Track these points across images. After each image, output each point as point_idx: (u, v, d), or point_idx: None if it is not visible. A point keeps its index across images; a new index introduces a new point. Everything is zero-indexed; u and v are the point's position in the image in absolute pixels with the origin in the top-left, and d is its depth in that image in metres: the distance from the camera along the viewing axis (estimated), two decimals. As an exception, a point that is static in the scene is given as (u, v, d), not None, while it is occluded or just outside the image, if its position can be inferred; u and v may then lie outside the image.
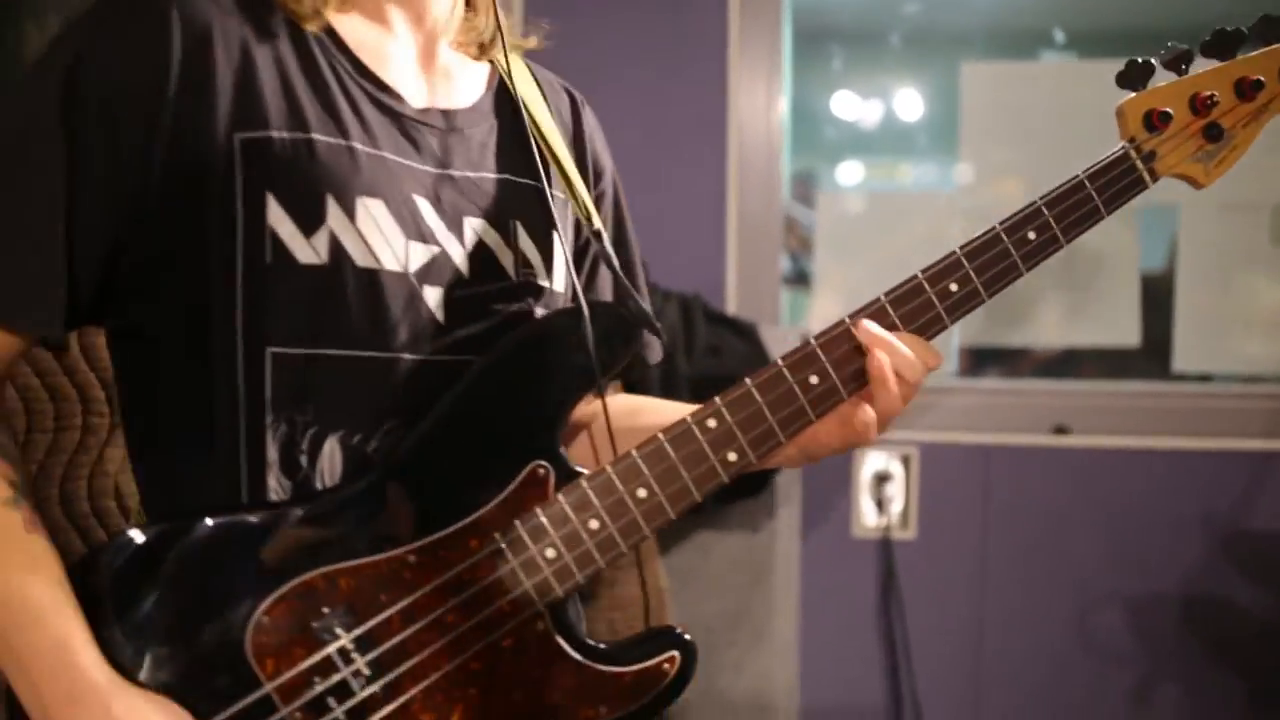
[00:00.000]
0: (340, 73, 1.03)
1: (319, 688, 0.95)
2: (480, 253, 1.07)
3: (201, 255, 0.96)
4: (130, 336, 1.02)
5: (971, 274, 1.06)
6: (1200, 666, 2.57)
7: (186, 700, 0.93)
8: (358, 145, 1.01)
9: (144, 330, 1.00)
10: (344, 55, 1.04)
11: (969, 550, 2.61)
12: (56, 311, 0.95)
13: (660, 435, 1.02)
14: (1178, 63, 1.10)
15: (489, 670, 0.99)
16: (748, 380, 1.03)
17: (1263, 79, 1.11)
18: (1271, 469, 2.55)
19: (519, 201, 1.12)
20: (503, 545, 0.99)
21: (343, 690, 0.96)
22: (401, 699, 0.97)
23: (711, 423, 1.02)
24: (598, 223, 1.16)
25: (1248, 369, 2.79)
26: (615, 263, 1.15)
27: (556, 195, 1.16)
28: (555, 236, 1.14)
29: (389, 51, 1.08)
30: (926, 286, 1.06)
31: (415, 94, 1.09)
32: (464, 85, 1.14)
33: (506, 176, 1.12)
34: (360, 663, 0.96)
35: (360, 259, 0.99)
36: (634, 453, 1.01)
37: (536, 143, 1.14)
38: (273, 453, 0.98)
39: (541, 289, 1.12)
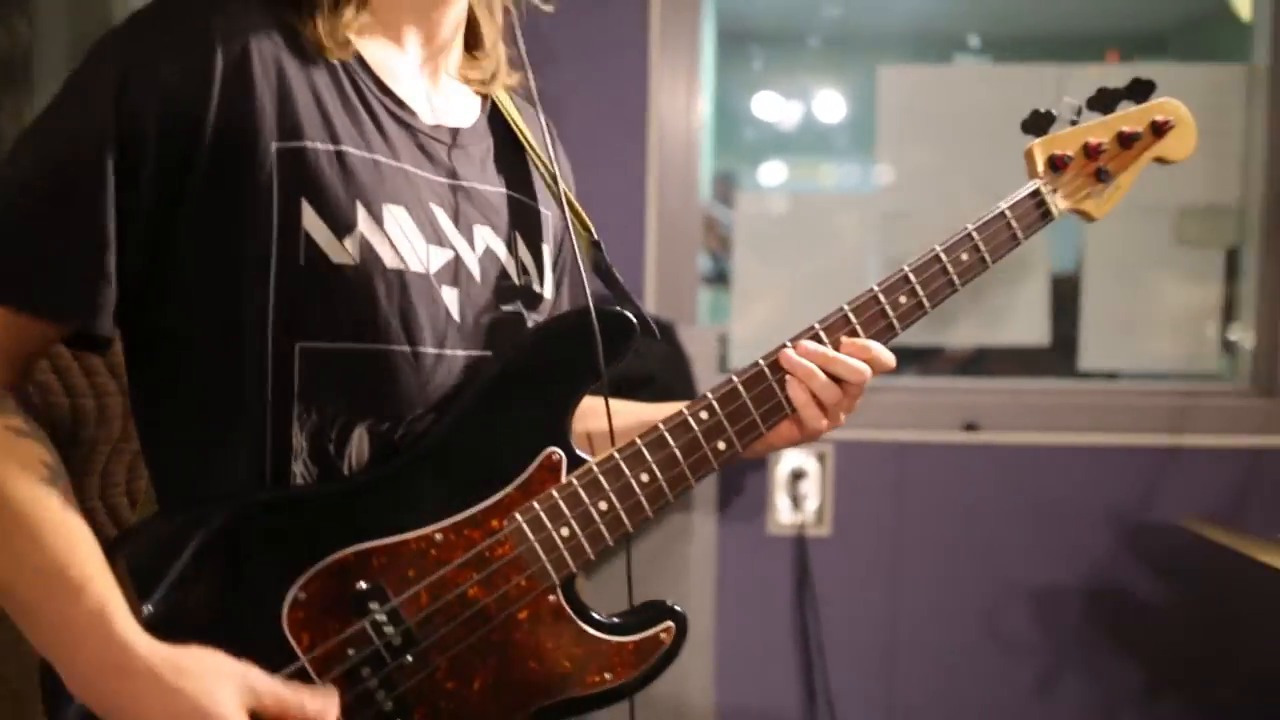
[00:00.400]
0: (364, 90, 1.11)
1: (354, 659, 1.04)
2: (489, 258, 1.17)
3: (237, 257, 1.03)
4: (155, 334, 1.07)
5: (917, 288, 1.21)
6: (1103, 656, 2.64)
7: None
8: (381, 158, 1.09)
9: (172, 328, 1.06)
10: (367, 74, 1.12)
11: (882, 546, 2.65)
12: (105, 307, 1.00)
13: (660, 425, 1.13)
14: (1070, 115, 1.28)
15: (507, 641, 1.09)
16: (734, 377, 1.16)
17: (1139, 131, 1.29)
18: (1173, 463, 2.63)
19: (516, 213, 1.23)
20: (523, 524, 1.09)
21: (376, 661, 1.05)
22: (428, 668, 1.07)
23: (704, 415, 1.15)
24: (596, 234, 1.26)
25: (1152, 367, 2.86)
26: (615, 271, 1.25)
27: (546, 212, 1.27)
28: (544, 247, 1.25)
29: (402, 70, 1.16)
30: (881, 298, 1.19)
31: (425, 110, 1.17)
32: (461, 106, 1.23)
33: (506, 190, 1.22)
34: (392, 634, 1.05)
35: (389, 261, 1.07)
36: (638, 440, 1.13)
37: (531, 161, 1.26)
38: (300, 441, 1.05)
39: (537, 294, 1.23)
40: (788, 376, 1.17)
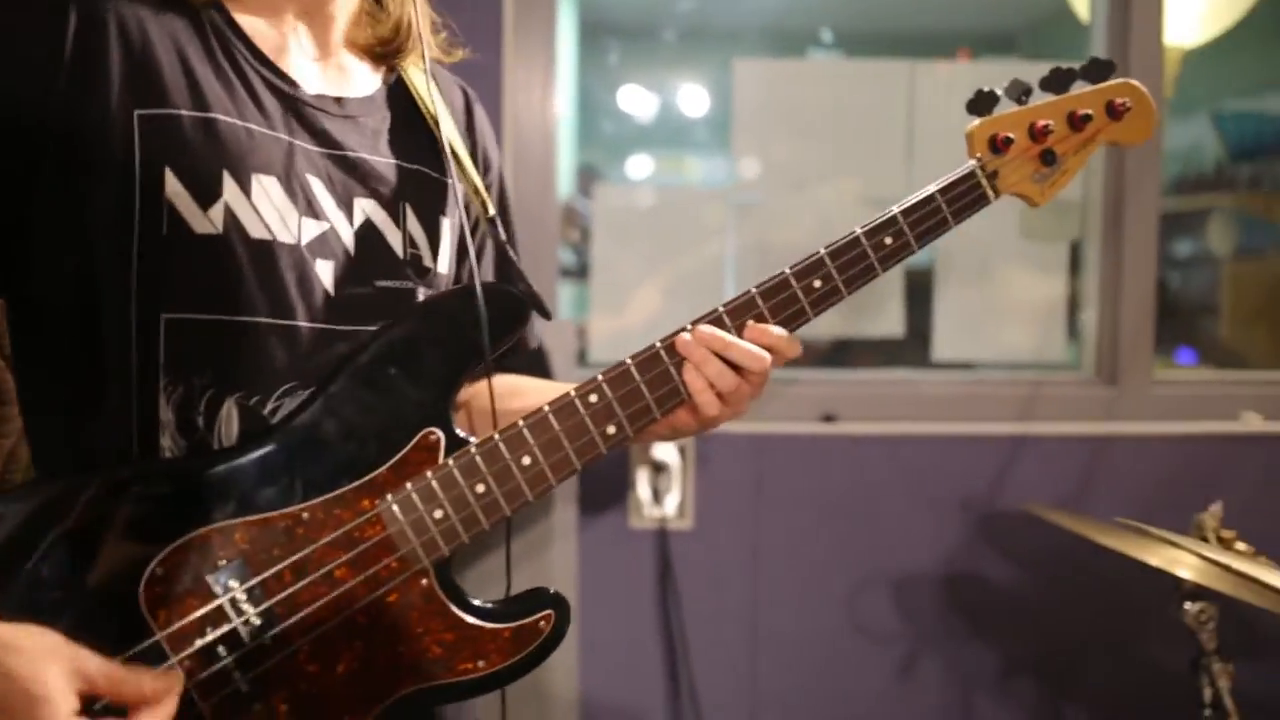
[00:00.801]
0: (237, 57, 1.09)
1: (210, 636, 1.00)
2: (368, 231, 1.14)
3: (95, 225, 1.00)
4: (22, 302, 1.04)
5: (834, 272, 1.15)
6: (959, 640, 2.69)
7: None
8: (254, 126, 1.07)
9: (37, 297, 1.03)
10: (241, 41, 1.10)
11: (743, 538, 2.66)
12: None
13: (545, 407, 1.10)
14: (1019, 94, 1.23)
15: (373, 623, 1.06)
16: (628, 359, 1.12)
17: (1091, 113, 1.24)
18: (1022, 451, 2.70)
19: (410, 186, 1.19)
20: (393, 505, 1.06)
21: (233, 640, 1.01)
22: (289, 649, 1.03)
23: (593, 398, 1.11)
24: (493, 209, 1.24)
25: (1003, 357, 2.94)
26: (510, 249, 1.23)
27: (447, 182, 1.22)
28: (443, 221, 1.21)
29: (285, 43, 1.14)
30: (793, 282, 1.14)
31: (310, 81, 1.15)
32: (359, 78, 1.21)
33: (398, 162, 1.19)
34: (251, 613, 1.01)
35: (254, 230, 1.04)
36: (520, 423, 1.10)
37: (432, 132, 1.22)
38: (167, 414, 1.03)
39: (427, 269, 1.19)
40: (684, 361, 1.13)
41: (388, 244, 1.16)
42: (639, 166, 3.37)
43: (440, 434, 1.08)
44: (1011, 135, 1.22)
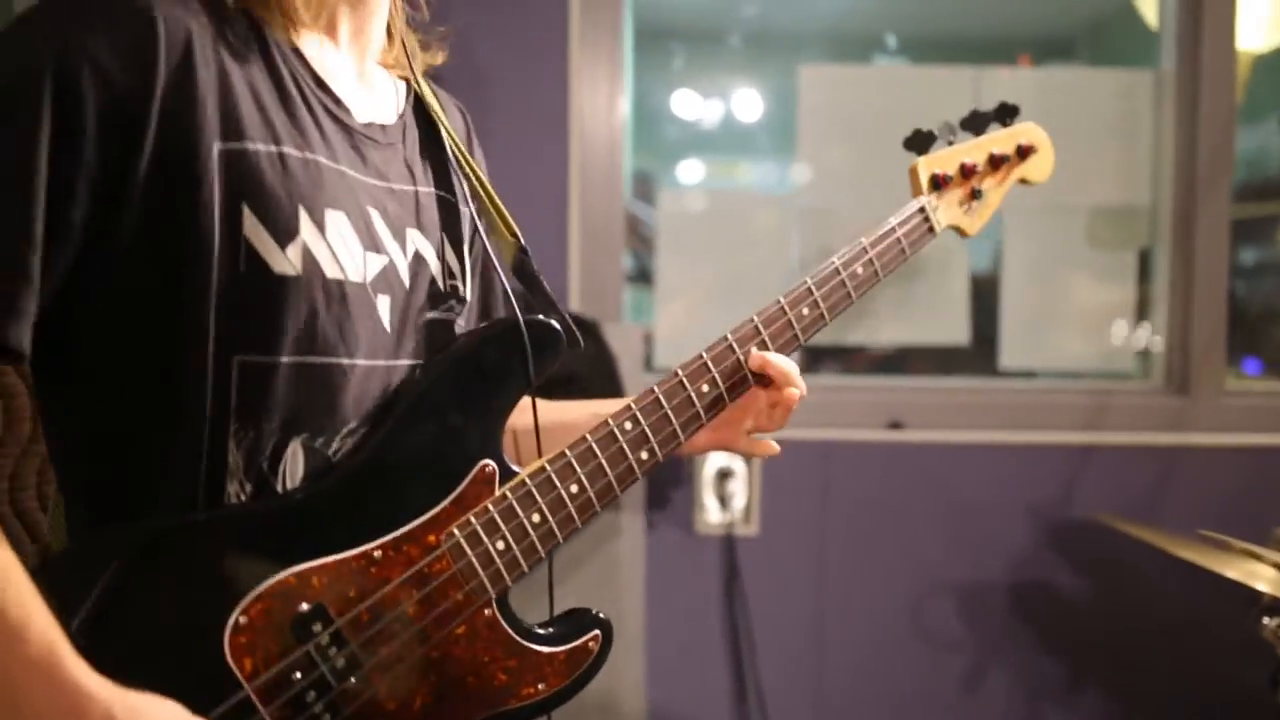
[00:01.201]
0: (302, 86, 1.05)
1: (299, 685, 0.99)
2: (418, 263, 1.13)
3: (176, 269, 0.95)
4: (74, 350, 0.98)
5: (819, 300, 1.25)
6: (1027, 650, 2.67)
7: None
8: (321, 159, 1.04)
9: (95, 346, 0.97)
10: (304, 68, 1.06)
11: (809, 544, 2.66)
12: (24, 314, 0.91)
13: (588, 436, 1.13)
14: (948, 135, 1.36)
15: (444, 656, 1.07)
16: (655, 388, 1.17)
17: (1008, 154, 1.39)
18: (1089, 460, 2.67)
19: (442, 214, 1.19)
20: (460, 539, 1.06)
21: (321, 686, 1.00)
22: (372, 690, 1.03)
23: (629, 425, 1.15)
24: (523, 239, 1.23)
25: (1068, 365, 2.91)
26: (540, 277, 1.22)
27: (465, 209, 1.23)
28: (464, 247, 1.21)
29: (335, 65, 1.11)
30: (787, 310, 1.23)
31: (358, 107, 1.12)
32: (386, 100, 1.18)
33: (432, 190, 1.18)
34: (336, 657, 1.00)
35: (330, 270, 1.02)
36: (568, 452, 1.12)
37: (456, 159, 1.22)
38: (235, 459, 0.99)
39: (463, 299, 1.19)
40: (774, 380, 1.21)
41: (432, 275, 1.15)
42: (691, 171, 3.37)
43: (495, 466, 1.09)
44: (949, 173, 1.35)
